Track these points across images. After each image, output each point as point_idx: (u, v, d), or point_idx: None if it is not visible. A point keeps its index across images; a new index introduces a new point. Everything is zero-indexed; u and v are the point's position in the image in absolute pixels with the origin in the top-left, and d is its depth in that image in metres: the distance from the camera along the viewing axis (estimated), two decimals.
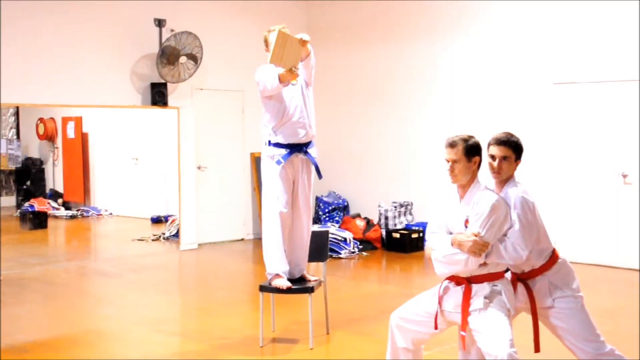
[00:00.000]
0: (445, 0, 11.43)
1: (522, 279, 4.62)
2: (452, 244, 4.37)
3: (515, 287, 4.58)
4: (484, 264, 4.37)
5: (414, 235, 11.34)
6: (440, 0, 11.50)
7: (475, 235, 4.27)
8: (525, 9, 10.54)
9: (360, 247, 11.38)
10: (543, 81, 10.39)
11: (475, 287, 4.40)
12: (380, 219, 11.92)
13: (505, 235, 4.39)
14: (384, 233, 11.73)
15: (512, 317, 4.45)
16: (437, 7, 11.56)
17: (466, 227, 4.39)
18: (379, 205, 11.99)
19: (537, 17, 10.43)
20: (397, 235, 11.40)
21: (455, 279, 4.48)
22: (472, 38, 11.18)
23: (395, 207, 11.81)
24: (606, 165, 9.89)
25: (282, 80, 6.13)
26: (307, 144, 6.49)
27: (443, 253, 4.41)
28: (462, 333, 4.44)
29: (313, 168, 6.58)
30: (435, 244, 4.50)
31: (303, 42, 6.13)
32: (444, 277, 4.55)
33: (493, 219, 4.31)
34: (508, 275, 4.61)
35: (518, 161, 4.58)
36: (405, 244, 11.29)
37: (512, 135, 4.61)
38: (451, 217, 4.52)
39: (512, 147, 4.54)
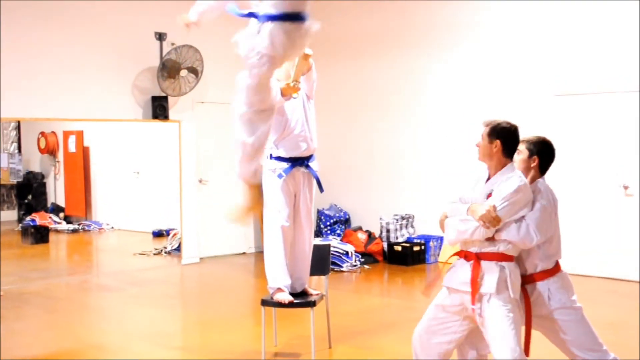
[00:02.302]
0: (445, 12, 11.46)
1: (522, 283, 4.63)
2: (467, 211, 4.45)
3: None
4: (492, 238, 4.38)
5: (416, 248, 11.32)
6: (440, 12, 11.52)
7: (491, 207, 4.32)
8: (527, 20, 10.56)
9: (362, 260, 11.36)
10: (544, 93, 10.40)
11: (484, 264, 4.42)
12: (381, 232, 11.91)
13: (523, 217, 4.44)
14: (385, 246, 11.72)
15: (519, 304, 4.48)
16: (437, 19, 11.58)
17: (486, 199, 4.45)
18: (381, 218, 11.98)
19: (539, 28, 10.45)
20: (399, 248, 11.39)
21: (464, 254, 4.51)
22: (474, 50, 11.19)
23: (397, 219, 11.81)
24: (607, 176, 9.88)
25: (284, 94, 6.16)
26: (309, 158, 6.50)
27: (456, 218, 4.45)
28: (473, 307, 4.44)
29: (314, 181, 6.58)
30: (451, 211, 4.55)
31: (305, 56, 6.15)
32: (452, 245, 4.62)
33: (515, 199, 4.38)
34: None
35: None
36: (407, 256, 11.27)
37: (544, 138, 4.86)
38: (475, 192, 4.57)
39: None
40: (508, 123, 4.60)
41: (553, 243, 4.60)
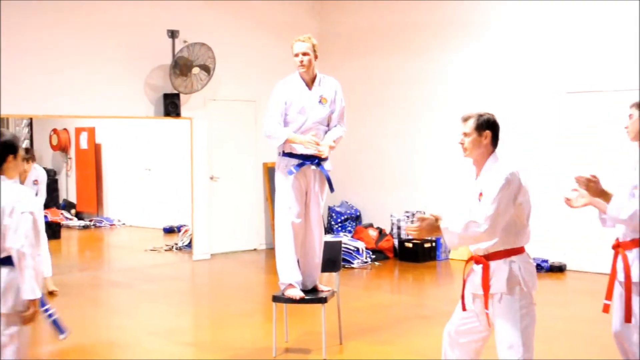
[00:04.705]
0: (457, 10, 11.44)
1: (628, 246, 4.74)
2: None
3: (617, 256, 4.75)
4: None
5: (427, 245, 11.32)
6: (452, 10, 11.51)
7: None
8: (539, 18, 10.54)
9: (373, 257, 11.37)
10: (556, 90, 10.38)
11: (493, 265, 4.37)
12: (392, 229, 11.91)
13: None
14: (396, 243, 11.72)
15: (532, 292, 4.42)
16: (449, 16, 11.57)
17: (479, 200, 4.38)
18: (391, 215, 11.98)
19: (550, 26, 10.43)
20: (410, 245, 11.39)
21: (475, 258, 4.47)
22: (485, 47, 11.18)
23: (408, 216, 11.81)
24: (621, 175, 9.83)
25: (290, 142, 6.34)
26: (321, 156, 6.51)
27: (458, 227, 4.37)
28: (487, 311, 4.41)
29: (326, 179, 6.59)
30: (446, 214, 4.48)
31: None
32: (455, 247, 4.56)
33: (503, 193, 4.28)
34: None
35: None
36: (417, 253, 11.27)
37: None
38: (467, 193, 4.53)
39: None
40: (488, 113, 4.54)
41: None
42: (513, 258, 4.38)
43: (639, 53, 9.57)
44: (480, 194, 4.37)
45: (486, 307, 4.39)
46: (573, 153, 10.16)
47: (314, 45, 6.44)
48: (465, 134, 4.47)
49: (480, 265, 4.43)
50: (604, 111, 10.00)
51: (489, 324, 4.48)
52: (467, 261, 4.62)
